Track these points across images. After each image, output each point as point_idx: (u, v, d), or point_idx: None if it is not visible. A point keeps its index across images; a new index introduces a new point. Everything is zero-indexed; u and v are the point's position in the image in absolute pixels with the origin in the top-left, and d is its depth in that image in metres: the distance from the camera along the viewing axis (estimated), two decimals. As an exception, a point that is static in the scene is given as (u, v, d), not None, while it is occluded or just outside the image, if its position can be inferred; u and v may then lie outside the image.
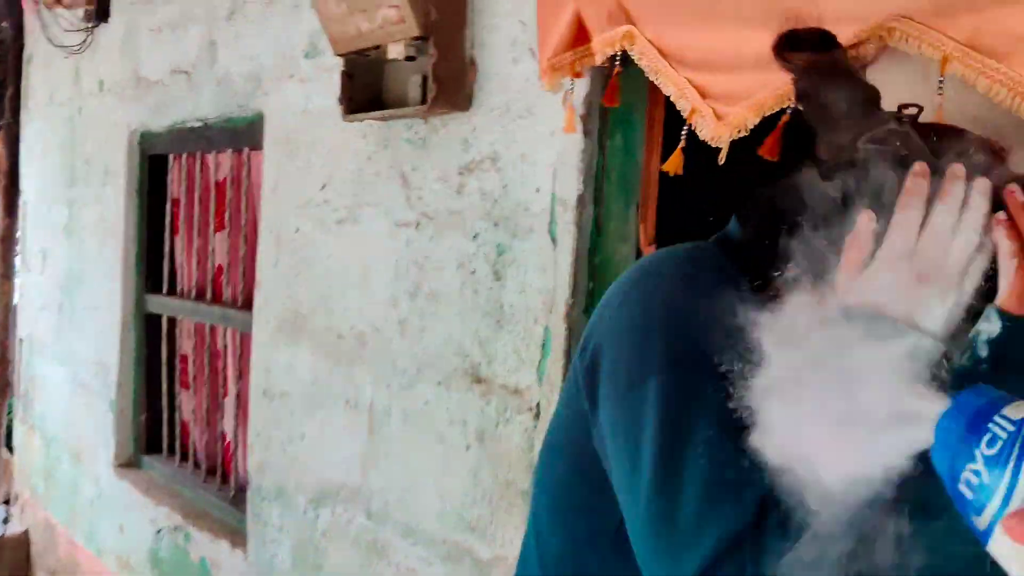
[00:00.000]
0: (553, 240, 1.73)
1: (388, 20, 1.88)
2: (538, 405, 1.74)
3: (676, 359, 0.81)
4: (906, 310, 0.75)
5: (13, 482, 4.66)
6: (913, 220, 0.78)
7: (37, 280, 4.27)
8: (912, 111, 0.87)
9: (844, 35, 1.20)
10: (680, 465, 0.78)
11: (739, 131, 1.38)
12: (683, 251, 0.93)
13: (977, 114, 1.16)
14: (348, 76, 2.09)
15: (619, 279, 0.94)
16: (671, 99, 1.47)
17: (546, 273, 1.75)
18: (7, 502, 4.57)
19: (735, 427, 0.73)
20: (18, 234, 4.57)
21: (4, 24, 4.58)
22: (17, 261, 4.60)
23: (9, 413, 4.79)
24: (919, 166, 0.80)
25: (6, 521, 4.39)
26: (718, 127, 1.40)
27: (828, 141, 0.91)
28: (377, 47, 1.98)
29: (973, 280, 0.77)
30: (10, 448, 4.73)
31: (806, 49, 0.94)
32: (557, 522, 0.97)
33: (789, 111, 1.31)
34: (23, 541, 4.29)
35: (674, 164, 1.50)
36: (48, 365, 4.14)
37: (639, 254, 1.66)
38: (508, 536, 1.78)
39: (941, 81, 1.14)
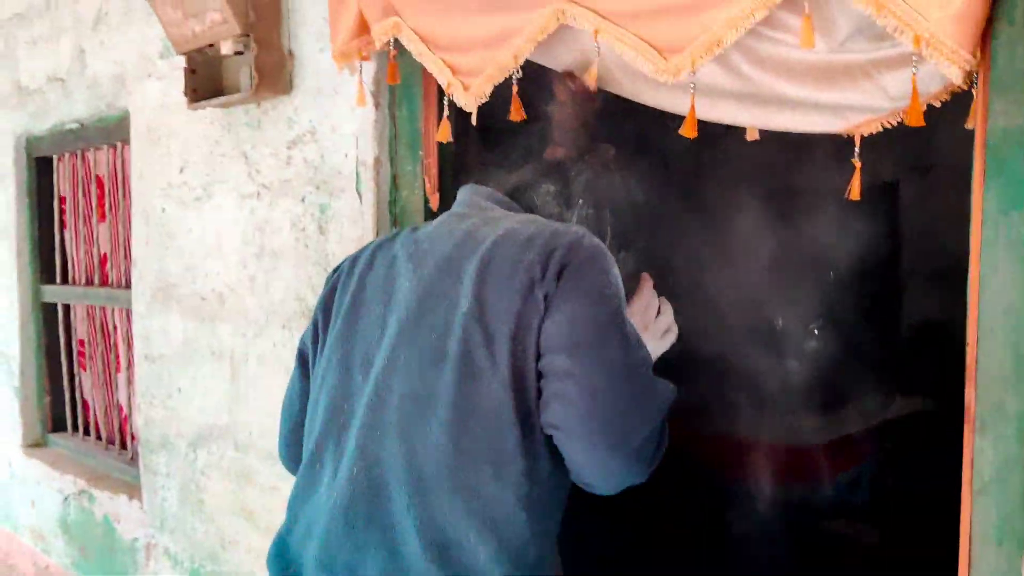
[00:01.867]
0: (359, 196, 2.10)
1: (215, 22, 2.23)
2: (356, 332, 2.12)
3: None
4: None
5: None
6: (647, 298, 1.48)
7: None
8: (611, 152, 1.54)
9: (528, 18, 1.60)
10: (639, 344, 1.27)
11: (481, 99, 1.77)
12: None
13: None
14: (191, 71, 2.44)
15: (581, 242, 1.30)
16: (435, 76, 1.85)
17: (356, 224, 2.12)
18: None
19: None
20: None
21: None
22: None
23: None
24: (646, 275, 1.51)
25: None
26: (466, 96, 1.79)
27: (564, 151, 1.55)
28: (211, 45, 2.32)
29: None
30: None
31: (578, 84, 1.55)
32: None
33: (515, 82, 1.71)
34: (-57, 533, 4.52)
35: (443, 133, 1.88)
36: (-45, 364, 4.38)
37: (426, 201, 2.04)
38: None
39: (598, 46, 1.55)
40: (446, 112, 1.87)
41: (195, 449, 2.70)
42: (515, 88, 1.71)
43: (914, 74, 1.28)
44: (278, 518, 2.37)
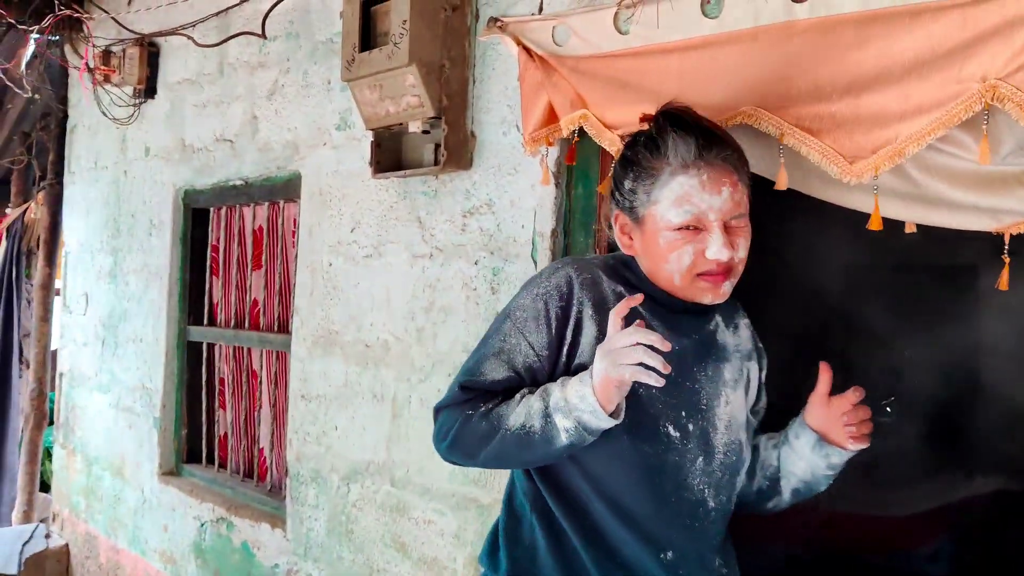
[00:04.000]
0: (535, 262, 2.38)
1: (411, 105, 2.54)
2: (525, 383, 2.37)
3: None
4: None
5: (49, 508, 5.20)
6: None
7: (79, 320, 4.86)
8: None
9: (718, 118, 1.86)
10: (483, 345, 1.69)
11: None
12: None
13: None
14: (377, 145, 2.75)
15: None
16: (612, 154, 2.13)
17: (529, 287, 2.39)
18: (44, 521, 5.10)
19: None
20: (57, 282, 5.20)
21: (38, 97, 5.25)
22: (56, 304, 5.22)
23: (47, 445, 5.35)
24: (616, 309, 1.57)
25: (47, 536, 4.90)
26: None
27: None
28: (400, 124, 2.63)
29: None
30: (46, 489, 5.30)
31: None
32: None
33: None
34: (63, 553, 4.82)
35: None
36: (89, 394, 4.71)
37: (596, 271, 2.30)
38: (502, 483, 2.38)
39: (781, 148, 1.80)
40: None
41: (348, 483, 2.96)
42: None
43: (1077, 188, 1.52)
44: (431, 550, 2.62)
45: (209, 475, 3.86)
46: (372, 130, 2.73)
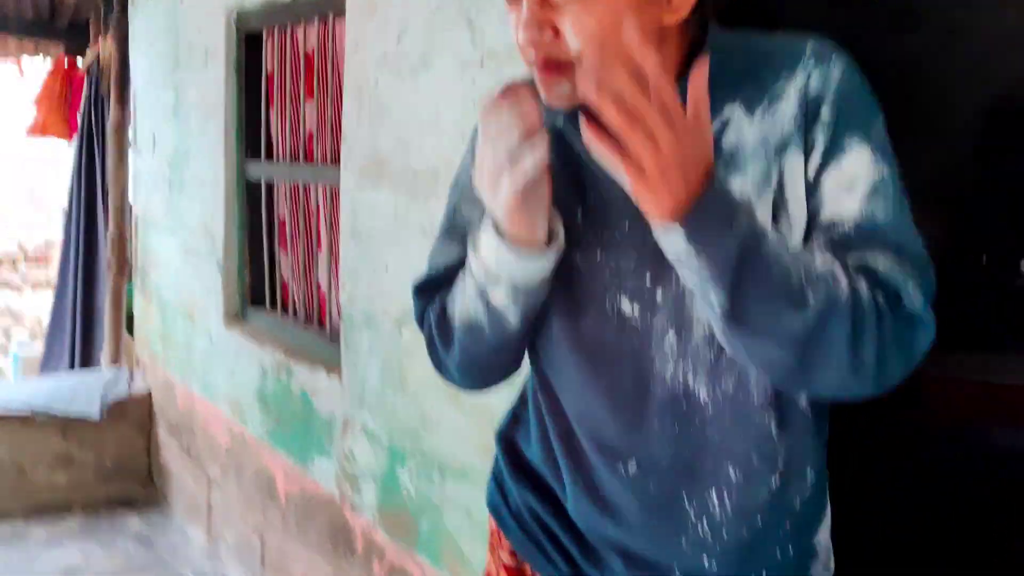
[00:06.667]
0: (597, 62, 1.95)
1: None
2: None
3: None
4: None
5: (133, 355, 5.18)
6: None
7: (148, 162, 4.67)
8: None
9: None
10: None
11: None
12: None
13: None
14: (418, -67, 2.32)
15: None
16: None
17: (592, 93, 1.97)
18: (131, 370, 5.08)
19: None
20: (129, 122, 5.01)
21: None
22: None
23: (129, 295, 5.28)
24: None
25: (130, 382, 4.88)
26: None
27: None
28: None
29: None
30: (130, 331, 5.24)
31: None
32: None
33: None
34: (146, 399, 4.78)
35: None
36: (161, 237, 4.56)
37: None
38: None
39: None
40: None
41: (400, 327, 2.67)
42: None
43: None
44: (483, 400, 2.31)
45: (272, 319, 3.66)
46: (412, -88, 2.30)
